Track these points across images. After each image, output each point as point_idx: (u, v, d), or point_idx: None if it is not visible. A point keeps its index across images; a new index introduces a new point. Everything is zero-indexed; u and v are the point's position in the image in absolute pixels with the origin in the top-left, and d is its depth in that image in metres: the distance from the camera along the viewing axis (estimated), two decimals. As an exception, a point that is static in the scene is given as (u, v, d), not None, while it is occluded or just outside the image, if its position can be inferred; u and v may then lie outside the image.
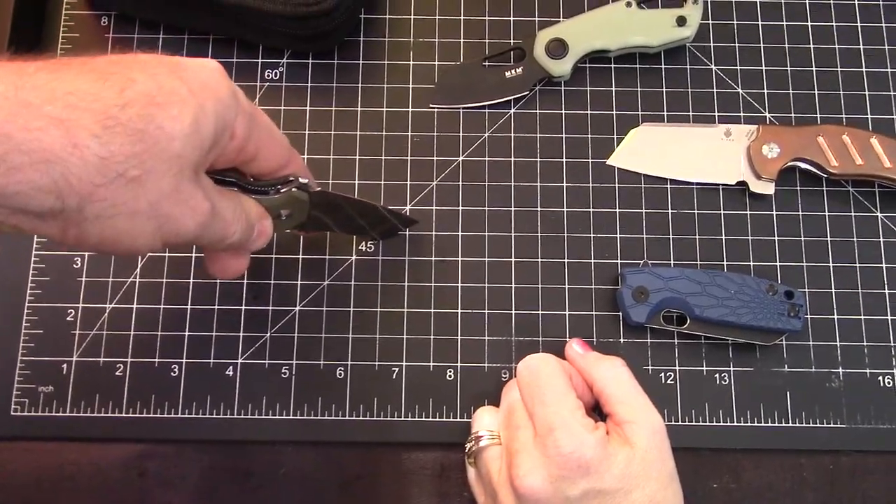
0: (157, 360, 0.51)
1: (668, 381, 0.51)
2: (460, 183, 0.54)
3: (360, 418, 0.50)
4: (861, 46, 0.57)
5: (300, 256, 0.53)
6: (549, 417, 0.42)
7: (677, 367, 0.52)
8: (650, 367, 0.51)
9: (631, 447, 0.41)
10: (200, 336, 0.52)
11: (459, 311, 0.52)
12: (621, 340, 0.52)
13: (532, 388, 0.44)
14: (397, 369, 0.51)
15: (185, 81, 0.34)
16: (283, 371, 0.51)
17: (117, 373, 0.51)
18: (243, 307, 0.52)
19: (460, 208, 0.54)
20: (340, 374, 0.51)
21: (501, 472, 0.43)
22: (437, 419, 0.51)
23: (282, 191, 0.42)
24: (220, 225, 0.37)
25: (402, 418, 0.51)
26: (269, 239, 0.42)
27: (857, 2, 0.58)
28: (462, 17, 0.58)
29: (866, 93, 0.56)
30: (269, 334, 0.52)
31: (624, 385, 0.45)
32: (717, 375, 0.52)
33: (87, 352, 0.51)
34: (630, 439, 0.42)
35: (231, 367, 0.51)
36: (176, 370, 0.51)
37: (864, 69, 0.57)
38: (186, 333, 0.52)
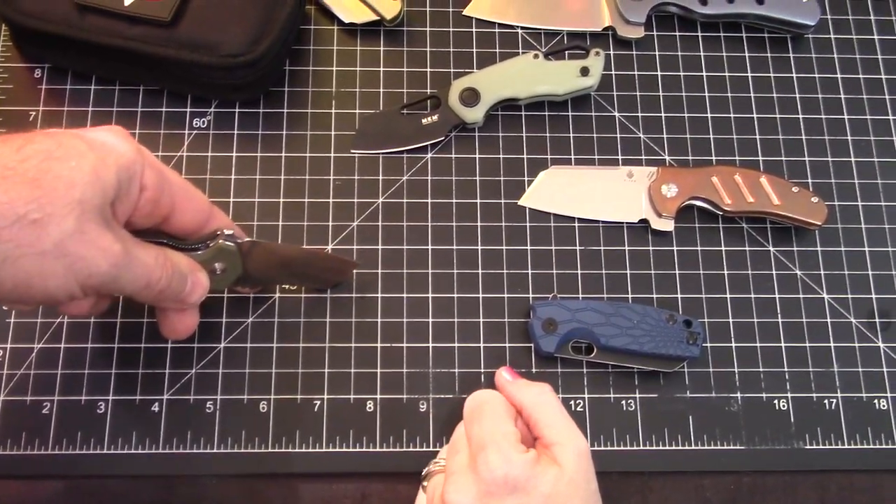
0: (83, 397, 0.55)
1: (578, 409, 0.57)
2: (380, 223, 0.60)
3: (284, 450, 0.55)
4: (752, 94, 0.65)
5: (225, 295, 0.58)
6: (483, 439, 0.46)
7: (586, 395, 0.57)
8: (561, 395, 0.57)
9: (559, 467, 0.46)
10: (127, 374, 0.56)
11: (379, 344, 0.58)
12: (533, 370, 0.58)
13: (473, 413, 0.49)
14: (319, 402, 0.56)
15: (85, 140, 0.40)
16: (207, 406, 0.56)
17: (44, 411, 0.55)
18: (169, 345, 0.57)
19: (380, 248, 0.60)
20: (263, 408, 0.56)
21: (438, 493, 0.47)
22: (358, 450, 0.55)
23: (210, 245, 0.48)
24: (141, 269, 0.43)
25: (324, 449, 0.55)
26: (205, 291, 0.48)
27: (747, 54, 0.66)
28: (381, 69, 0.64)
29: (757, 136, 0.64)
30: (194, 370, 0.56)
31: (551, 409, 0.49)
32: (623, 402, 0.57)
33: (14, 391, 0.55)
34: (557, 460, 0.46)
35: (157, 403, 0.55)
36: (102, 407, 0.55)
37: (754, 115, 0.64)
38: (113, 371, 0.56)
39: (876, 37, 0.67)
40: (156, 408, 0.55)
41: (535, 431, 0.48)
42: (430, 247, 0.60)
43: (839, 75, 0.66)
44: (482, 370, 0.57)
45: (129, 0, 0.58)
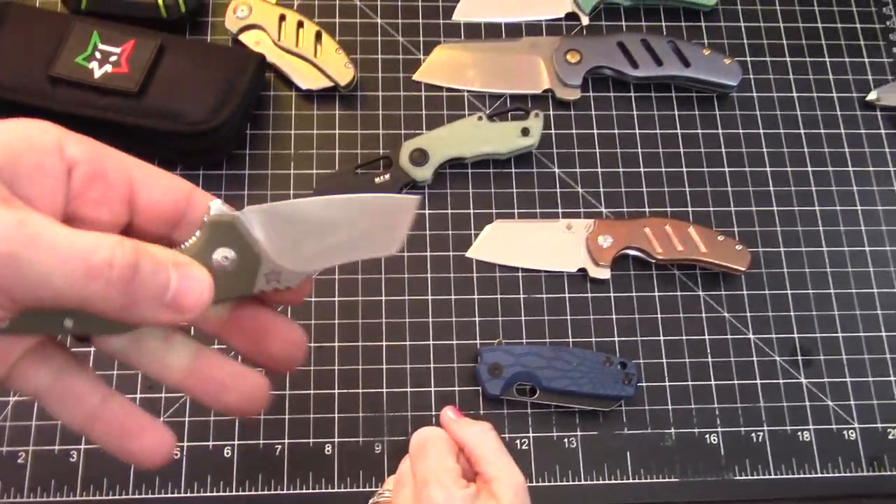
0: (56, 447, 0.60)
1: (523, 447, 0.62)
2: (336, 276, 0.65)
3: (248, 493, 0.59)
4: (681, 150, 0.71)
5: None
6: (427, 474, 0.51)
7: (531, 434, 0.62)
8: (507, 435, 0.62)
9: (497, 502, 0.51)
10: (98, 423, 0.60)
11: (336, 391, 0.62)
12: (481, 412, 0.63)
13: (418, 450, 0.53)
14: (279, 447, 0.61)
15: None
16: (175, 454, 0.60)
17: (19, 460, 0.59)
18: (138, 395, 0.61)
19: (336, 299, 0.65)
20: (228, 454, 0.60)
21: None
22: (317, 490, 0.60)
23: (196, 233, 0.33)
24: (64, 247, 0.29)
25: (285, 491, 0.60)
26: (205, 290, 0.31)
27: (676, 113, 0.73)
28: (337, 131, 0.70)
29: (686, 189, 0.70)
30: (162, 419, 0.61)
31: (491, 446, 0.54)
32: (565, 439, 0.63)
33: (-10, 442, 0.60)
34: (496, 494, 0.51)
35: (74, 453, 0.60)
36: (74, 455, 0.59)
37: (684, 169, 0.71)
38: (84, 421, 0.60)
39: (795, 95, 0.74)
40: (73, 456, 0.60)
41: (475, 467, 0.52)
42: (383, 297, 0.65)
43: (762, 131, 0.72)
44: (433, 413, 0.62)
45: (98, 73, 0.63)
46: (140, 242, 0.30)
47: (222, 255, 0.33)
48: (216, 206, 0.33)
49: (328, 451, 0.61)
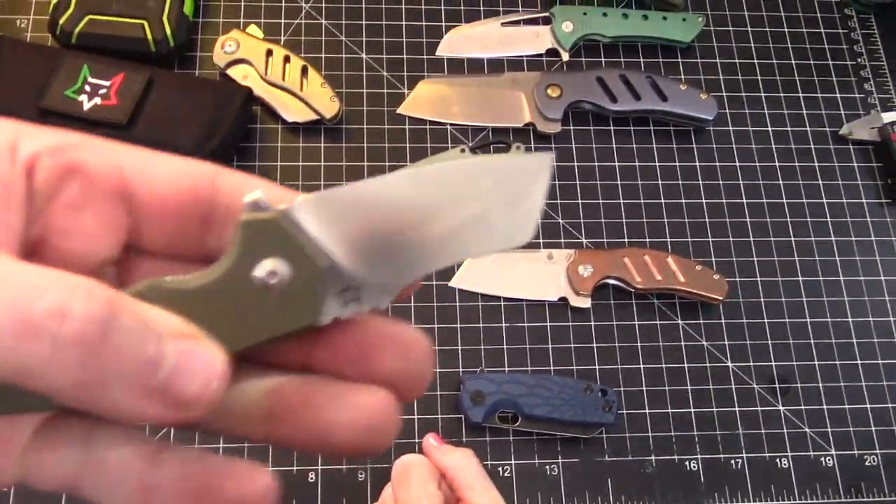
0: None
1: (506, 474, 0.63)
2: (321, 306, 0.67)
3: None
4: (660, 182, 0.73)
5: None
6: (409, 500, 0.52)
7: (513, 461, 0.63)
8: (489, 462, 0.63)
9: None
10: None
11: (320, 418, 0.63)
12: (464, 439, 0.63)
13: (400, 477, 0.54)
14: (264, 474, 0.61)
15: None
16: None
17: None
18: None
19: (320, 328, 0.66)
20: (212, 481, 0.61)
21: None
22: (300, 518, 0.61)
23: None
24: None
25: (269, 519, 0.60)
26: (217, 386, 0.20)
27: (654, 146, 0.75)
28: (322, 163, 0.71)
29: (665, 220, 0.72)
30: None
31: (472, 473, 0.55)
32: (547, 466, 0.63)
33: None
34: None
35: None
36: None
37: (662, 200, 0.72)
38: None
39: (769, 128, 0.76)
40: None
41: (457, 493, 0.54)
42: (367, 326, 0.66)
43: (738, 164, 0.75)
44: (416, 440, 0.63)
45: (87, 105, 0.65)
46: (121, 294, 0.20)
47: (267, 270, 0.21)
48: (252, 201, 0.22)
49: (312, 478, 0.61)
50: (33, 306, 0.18)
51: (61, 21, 0.69)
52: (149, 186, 0.23)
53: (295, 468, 0.61)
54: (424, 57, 0.76)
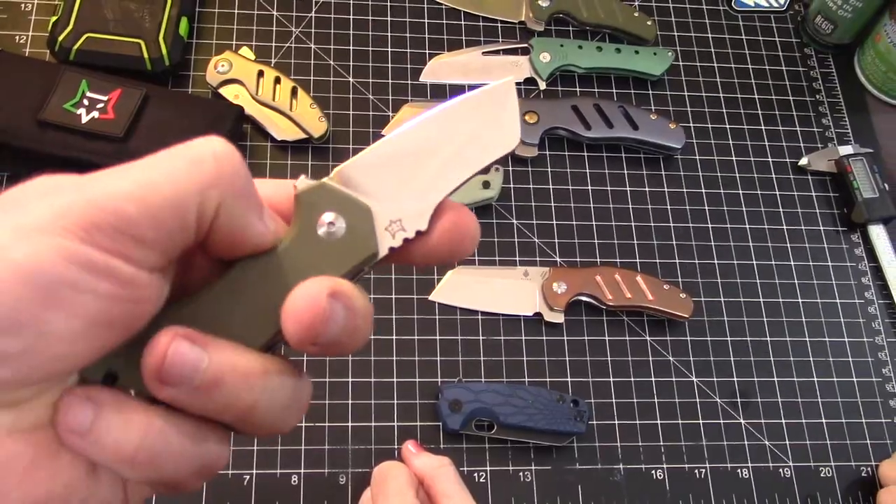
0: None
1: (481, 480, 0.66)
2: (306, 316, 0.70)
3: (214, 522, 0.63)
4: (630, 206, 0.78)
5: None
6: None
7: (488, 468, 0.67)
8: (465, 468, 0.66)
9: None
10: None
11: (304, 424, 0.66)
12: (441, 446, 0.67)
13: (379, 482, 0.57)
14: (248, 477, 0.64)
15: None
16: (145, 481, 0.63)
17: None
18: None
19: (305, 337, 0.69)
20: (197, 483, 0.63)
21: None
22: (283, 519, 0.63)
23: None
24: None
25: (252, 520, 0.63)
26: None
27: (626, 171, 0.79)
28: (309, 180, 0.75)
29: (634, 241, 0.76)
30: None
31: (449, 480, 0.58)
32: (521, 473, 0.67)
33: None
34: None
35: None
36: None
37: (632, 223, 0.77)
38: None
39: (734, 158, 0.81)
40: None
41: (434, 501, 0.56)
42: (350, 336, 0.69)
43: (703, 190, 0.79)
44: (396, 446, 0.66)
45: (86, 118, 0.68)
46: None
47: (327, 221, 0.27)
48: (301, 182, 0.28)
49: (294, 481, 0.64)
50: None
51: (60, 38, 0.72)
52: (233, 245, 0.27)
53: (279, 471, 0.64)
54: (408, 82, 0.80)
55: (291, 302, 0.25)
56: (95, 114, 0.68)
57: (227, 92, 0.75)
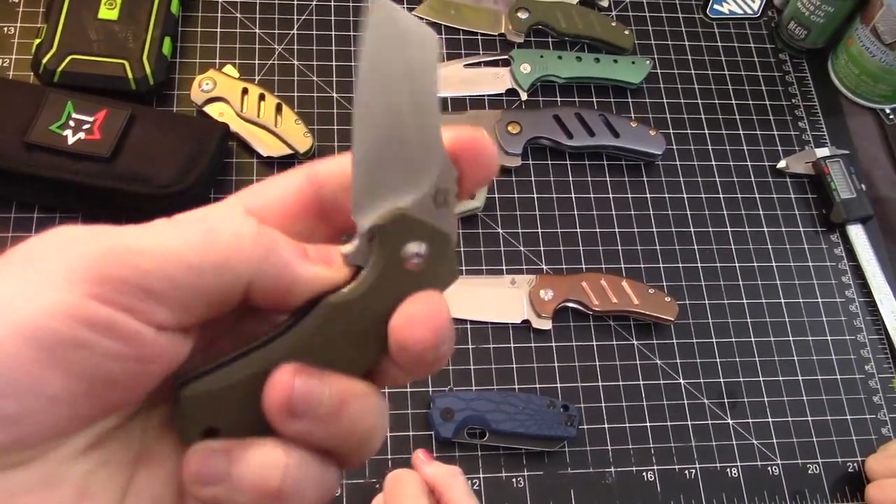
0: None
1: (474, 487, 0.67)
2: (296, 330, 0.71)
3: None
4: (613, 212, 0.79)
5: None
6: None
7: (481, 475, 0.67)
8: (459, 476, 0.67)
9: None
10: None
11: (297, 437, 0.67)
12: (434, 455, 0.67)
13: (393, 491, 0.58)
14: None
15: None
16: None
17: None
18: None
19: (296, 350, 0.70)
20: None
21: None
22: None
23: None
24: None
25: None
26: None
27: (608, 178, 0.81)
28: (296, 195, 0.76)
29: (619, 247, 0.77)
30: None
31: (459, 490, 0.59)
32: (514, 479, 0.68)
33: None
34: None
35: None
36: None
37: (616, 229, 0.78)
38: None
39: (713, 163, 0.83)
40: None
41: None
42: (341, 349, 0.70)
43: (685, 195, 0.81)
44: (389, 457, 0.67)
45: (72, 139, 0.69)
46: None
47: (413, 252, 0.26)
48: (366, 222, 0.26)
49: (289, 494, 0.65)
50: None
51: (44, 60, 0.73)
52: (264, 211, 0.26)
53: (273, 484, 0.64)
54: (391, 96, 0.81)
55: (409, 318, 0.26)
56: (82, 135, 0.69)
57: (212, 110, 0.76)
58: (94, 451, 0.24)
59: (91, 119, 0.69)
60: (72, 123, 0.69)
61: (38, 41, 0.74)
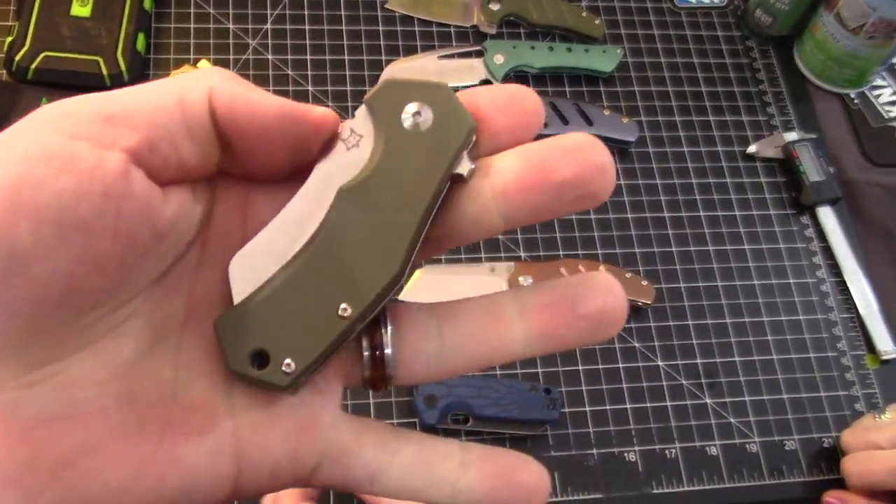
0: None
1: (460, 472, 0.68)
2: (278, 321, 0.71)
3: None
4: (589, 199, 0.80)
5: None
6: None
7: (466, 460, 0.68)
8: (444, 462, 0.68)
9: None
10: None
11: (282, 428, 0.67)
12: (419, 441, 0.68)
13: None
14: (229, 483, 0.65)
15: None
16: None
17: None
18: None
19: (279, 342, 0.70)
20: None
21: None
22: (267, 523, 0.64)
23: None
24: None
25: (236, 525, 0.64)
26: None
27: (583, 166, 0.82)
28: (274, 188, 0.76)
29: (595, 233, 0.79)
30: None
31: None
32: (498, 463, 0.69)
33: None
34: None
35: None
36: None
37: (592, 216, 0.79)
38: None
39: (685, 149, 0.84)
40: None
41: None
42: (323, 339, 0.71)
43: (658, 181, 0.82)
44: (374, 444, 0.67)
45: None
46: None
47: (412, 112, 0.25)
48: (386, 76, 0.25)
49: (276, 484, 0.65)
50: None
51: (17, 58, 0.73)
52: (240, 116, 0.24)
53: (260, 475, 0.65)
54: (367, 88, 0.82)
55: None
56: (58, 131, 0.68)
57: (188, 105, 0.76)
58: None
59: (67, 115, 0.69)
60: (47, 120, 0.69)
61: (10, 39, 0.74)
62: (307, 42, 0.83)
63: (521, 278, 0.74)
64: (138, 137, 0.21)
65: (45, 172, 0.20)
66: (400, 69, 0.83)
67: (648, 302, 0.74)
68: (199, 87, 0.23)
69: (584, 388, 0.72)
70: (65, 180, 0.20)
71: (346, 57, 0.83)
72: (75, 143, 0.20)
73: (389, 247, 0.25)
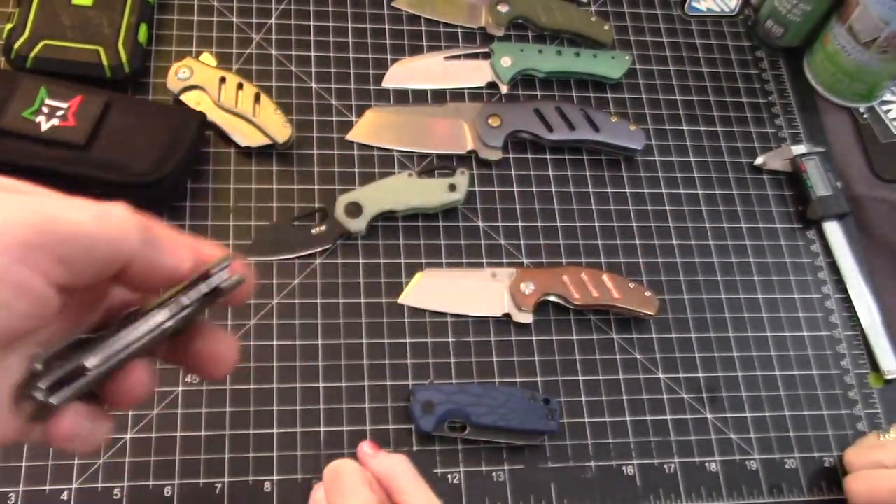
0: (-7, 490, 0.61)
1: (454, 481, 0.67)
2: (274, 322, 0.70)
3: (186, 532, 0.62)
4: (593, 206, 0.79)
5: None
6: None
7: (461, 469, 0.67)
8: (439, 470, 0.66)
9: None
10: (35, 465, 0.62)
11: (275, 430, 0.66)
12: (414, 448, 0.67)
13: (333, 483, 0.57)
14: (220, 485, 0.64)
15: None
16: (114, 493, 0.62)
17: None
18: (78, 437, 0.63)
19: (274, 343, 0.69)
20: (168, 493, 0.63)
21: None
22: (257, 527, 0.63)
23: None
24: None
25: (225, 529, 0.63)
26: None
27: (588, 173, 0.81)
28: (274, 186, 0.75)
29: (599, 241, 0.78)
30: (101, 460, 0.63)
31: (407, 477, 0.58)
32: (494, 473, 0.67)
33: (-75, 486, 0.60)
34: None
35: (66, 492, 0.62)
36: (13, 498, 0.61)
37: (596, 224, 0.78)
38: (23, 464, 0.62)
39: (692, 159, 0.83)
40: (65, 496, 0.61)
41: (394, 498, 0.56)
42: (319, 341, 0.69)
43: (664, 190, 0.81)
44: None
45: (45, 126, 0.67)
46: None
47: None
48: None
49: (267, 488, 0.64)
50: None
51: (16, 46, 0.71)
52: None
53: (251, 478, 0.64)
54: (371, 87, 0.81)
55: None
56: (56, 121, 0.67)
57: (189, 98, 0.75)
58: None
59: (65, 106, 0.68)
60: (45, 110, 0.68)
61: (10, 26, 0.72)
62: (312, 38, 0.82)
63: (522, 285, 0.73)
64: (69, 281, 0.33)
65: (7, 297, 0.30)
66: (405, 68, 0.82)
67: (652, 313, 0.73)
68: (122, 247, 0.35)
69: (583, 398, 0.71)
70: (20, 305, 0.30)
71: (351, 55, 0.82)
72: (34, 276, 0.31)
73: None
